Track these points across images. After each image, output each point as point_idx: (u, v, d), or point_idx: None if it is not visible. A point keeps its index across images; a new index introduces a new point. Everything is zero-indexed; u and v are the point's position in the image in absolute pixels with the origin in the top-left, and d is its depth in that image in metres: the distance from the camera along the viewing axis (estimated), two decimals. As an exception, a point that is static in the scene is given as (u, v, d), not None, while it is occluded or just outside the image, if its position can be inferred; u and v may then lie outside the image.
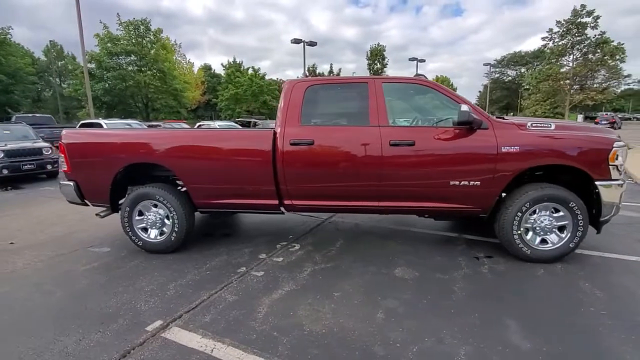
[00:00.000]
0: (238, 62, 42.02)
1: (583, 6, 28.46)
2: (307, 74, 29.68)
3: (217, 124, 16.98)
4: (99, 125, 9.95)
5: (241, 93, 38.78)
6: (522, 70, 47.97)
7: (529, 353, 1.94)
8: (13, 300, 2.64)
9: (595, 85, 29.94)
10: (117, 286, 2.83)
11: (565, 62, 31.20)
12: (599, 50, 28.56)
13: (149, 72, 29.60)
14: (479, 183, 3.04)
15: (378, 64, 39.71)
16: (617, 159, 2.93)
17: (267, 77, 41.52)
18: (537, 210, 3.06)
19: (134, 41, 28.48)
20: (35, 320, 2.36)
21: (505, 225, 3.09)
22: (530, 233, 3.11)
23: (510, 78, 51.36)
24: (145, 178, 3.72)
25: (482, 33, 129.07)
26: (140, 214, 3.47)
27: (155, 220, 3.44)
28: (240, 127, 17.47)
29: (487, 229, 4.06)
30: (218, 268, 3.14)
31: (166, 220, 3.44)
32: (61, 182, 3.60)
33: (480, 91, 61.88)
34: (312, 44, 21.49)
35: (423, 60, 29.37)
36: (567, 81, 30.32)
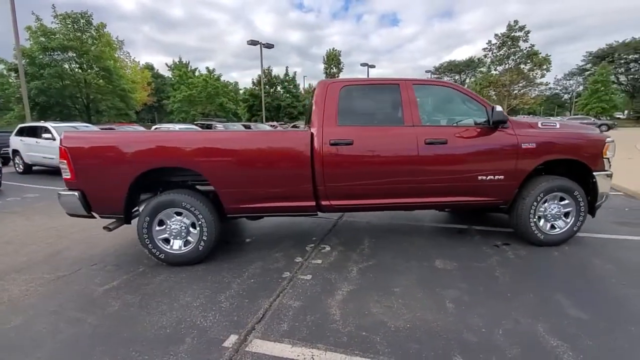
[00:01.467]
0: (184, 62, 39.75)
1: (516, 22, 33.39)
2: (264, 76, 29.29)
3: (177, 127, 15.92)
4: (45, 129, 8.64)
5: (195, 94, 36.70)
6: (456, 77, 52.88)
7: (592, 322, 2.20)
8: (37, 334, 2.22)
9: (522, 91, 34.86)
10: (159, 304, 2.54)
11: (500, 70, 35.85)
12: (529, 61, 33.57)
13: (90, 70, 26.57)
14: (502, 177, 3.33)
15: (334, 68, 40.66)
16: (608, 152, 3.45)
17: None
18: (548, 200, 3.45)
19: (72, 36, 25.34)
20: (83, 353, 2.03)
21: (523, 214, 3.43)
22: (542, 220, 3.50)
23: (446, 84, 56.26)
24: (157, 184, 3.39)
25: (417, 42, 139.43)
26: (161, 223, 3.16)
27: (180, 229, 3.15)
28: (201, 129, 16.58)
29: (486, 220, 4.46)
30: (260, 275, 2.98)
31: (192, 229, 3.18)
32: (61, 192, 3.11)
33: (420, 96, 66.62)
34: (269, 46, 21.19)
35: (373, 66, 30.85)
36: (505, 87, 34.71)
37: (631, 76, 45.96)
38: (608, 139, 3.46)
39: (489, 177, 3.32)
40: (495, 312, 2.34)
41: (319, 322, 2.26)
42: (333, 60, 40.92)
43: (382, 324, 2.23)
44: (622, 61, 44.37)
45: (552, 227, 3.52)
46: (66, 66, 26.21)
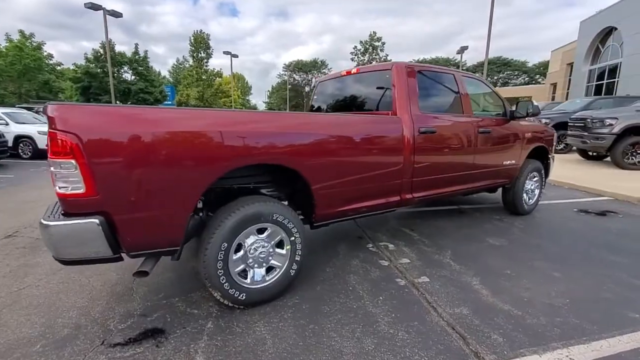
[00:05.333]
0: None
1: (374, 32, 40.75)
2: (103, 52, 22.61)
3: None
4: None
5: (3, 67, 24.85)
6: (303, 75, 57.12)
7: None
8: None
9: None
10: (307, 338, 1.74)
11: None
12: None
13: None
14: (514, 161, 3.96)
15: (202, 52, 35.89)
16: (555, 141, 4.65)
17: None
18: (529, 178, 4.35)
19: None
20: None
21: (519, 190, 4.20)
22: (525, 194, 4.38)
23: (297, 82, 59.82)
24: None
25: (257, 37, 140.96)
26: (238, 248, 2.12)
27: (267, 252, 2.21)
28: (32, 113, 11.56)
29: (456, 200, 5.12)
30: (373, 289, 2.48)
31: (278, 249, 2.29)
32: (53, 222, 1.58)
33: (269, 90, 68.37)
34: (116, 14, 16.50)
35: (236, 56, 29.15)
36: None
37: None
38: (555, 132, 4.66)
39: (509, 162, 3.88)
40: (598, 280, 2.82)
41: (526, 319, 2.12)
42: (201, 43, 36.27)
43: (553, 307, 2.29)
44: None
45: (529, 199, 4.47)
46: None
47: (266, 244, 2.20)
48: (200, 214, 2.18)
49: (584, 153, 9.44)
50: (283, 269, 2.30)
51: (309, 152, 2.26)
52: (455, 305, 2.30)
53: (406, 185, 2.93)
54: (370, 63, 42.85)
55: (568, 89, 25.87)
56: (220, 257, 2.01)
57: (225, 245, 2.01)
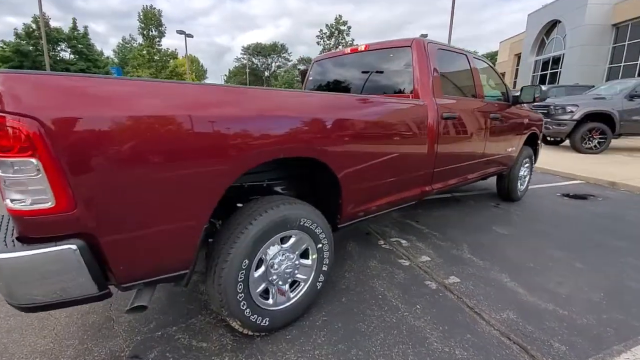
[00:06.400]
0: None
1: (340, 16, 40.05)
2: (37, 27, 19.26)
3: None
4: None
5: None
6: (263, 59, 54.94)
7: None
8: None
9: None
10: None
11: None
12: None
13: None
14: (514, 148, 3.87)
15: (154, 30, 32.24)
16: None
17: None
18: (522, 164, 4.33)
19: None
20: None
21: (514, 177, 4.16)
22: (519, 182, 4.36)
23: (256, 66, 57.26)
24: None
25: (211, 17, 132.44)
26: (258, 264, 1.69)
27: (293, 265, 1.80)
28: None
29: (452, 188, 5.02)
30: (405, 295, 2.19)
31: (303, 260, 1.88)
32: (12, 254, 1.03)
33: (225, 75, 64.96)
34: None
35: (191, 36, 26.85)
36: None
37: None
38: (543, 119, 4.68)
39: (511, 148, 3.79)
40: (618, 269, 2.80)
41: (575, 317, 1.95)
42: (152, 20, 32.55)
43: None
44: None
45: (521, 185, 4.47)
46: None
47: (291, 255, 1.79)
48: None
49: (543, 138, 10.00)
50: (309, 283, 1.92)
51: (338, 140, 1.85)
52: (498, 309, 2.09)
53: (427, 176, 2.65)
54: (337, 47, 42.21)
55: (515, 78, 27.70)
56: (241, 277, 1.57)
57: (247, 262, 1.58)
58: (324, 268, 1.96)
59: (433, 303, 2.13)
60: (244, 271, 1.57)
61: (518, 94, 3.59)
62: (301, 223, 1.76)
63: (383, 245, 2.97)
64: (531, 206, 4.25)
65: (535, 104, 9.53)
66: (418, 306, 2.09)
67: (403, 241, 3.07)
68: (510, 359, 1.68)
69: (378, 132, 2.09)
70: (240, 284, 1.58)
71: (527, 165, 4.41)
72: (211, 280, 1.57)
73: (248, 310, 1.63)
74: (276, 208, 1.66)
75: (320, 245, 1.90)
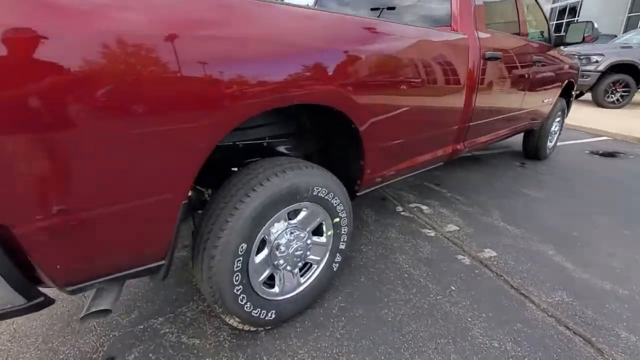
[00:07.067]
0: None
1: None
2: None
3: None
4: None
5: None
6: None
7: None
8: None
9: None
10: None
11: None
12: None
13: None
14: (551, 98, 3.36)
15: None
16: (579, 74, 4.10)
17: None
18: (555, 119, 3.83)
19: None
20: None
21: (546, 133, 3.69)
22: (549, 138, 3.89)
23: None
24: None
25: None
26: (260, 246, 1.30)
27: (305, 246, 1.42)
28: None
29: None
30: (435, 274, 1.85)
31: (316, 238, 1.50)
32: None
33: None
34: None
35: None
36: None
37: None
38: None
39: (548, 99, 3.28)
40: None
41: (638, 298, 1.63)
42: None
43: (658, 278, 1.86)
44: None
45: (550, 142, 4.01)
46: None
47: (302, 234, 1.40)
48: (191, 195, 1.29)
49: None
50: (323, 264, 1.55)
51: (361, 82, 1.37)
52: (548, 289, 1.76)
53: (461, 131, 2.19)
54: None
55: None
56: (238, 266, 1.19)
57: (245, 246, 1.18)
58: (342, 246, 1.59)
59: (470, 283, 1.79)
60: (240, 258, 1.18)
61: (561, 33, 3.01)
62: (314, 193, 1.35)
63: (402, 213, 2.59)
64: (560, 165, 3.83)
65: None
66: (452, 287, 1.76)
67: (424, 207, 2.69)
68: (574, 355, 1.36)
69: (411, 73, 1.59)
70: (237, 275, 1.20)
71: (558, 119, 3.92)
72: (199, 270, 1.19)
73: (248, 304, 1.27)
74: (282, 174, 1.23)
75: (337, 220, 1.51)
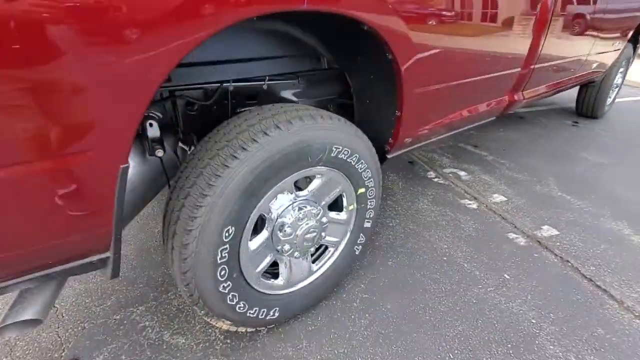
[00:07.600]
0: None
1: None
2: None
3: None
4: None
5: None
6: None
7: None
8: None
9: None
10: None
11: None
12: None
13: None
14: (619, 44, 2.71)
15: None
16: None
17: None
18: (619, 68, 3.17)
19: None
20: None
21: (607, 87, 3.08)
22: (610, 92, 3.26)
23: None
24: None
25: None
26: (256, 228, 0.94)
27: (319, 226, 1.05)
28: None
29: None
30: (482, 257, 1.47)
31: (333, 215, 1.13)
32: None
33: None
34: None
35: None
36: None
37: None
38: None
39: (617, 44, 2.64)
40: None
41: None
42: None
43: None
44: None
45: (609, 97, 3.38)
46: None
47: (315, 210, 1.02)
48: (151, 152, 0.90)
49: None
50: (342, 247, 1.19)
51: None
52: (630, 279, 1.36)
53: (523, 76, 1.69)
54: None
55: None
56: (223, 256, 0.84)
57: (232, 230, 0.82)
58: (367, 224, 1.22)
59: (528, 271, 1.41)
60: (226, 246, 0.83)
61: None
62: (332, 154, 0.95)
63: (435, 179, 2.17)
64: (619, 125, 3.25)
65: None
66: (506, 275, 1.38)
67: (462, 173, 2.26)
68: (685, 379, 1.00)
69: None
70: (223, 268, 0.85)
71: (622, 70, 3.26)
72: (170, 261, 0.85)
73: (241, 303, 0.94)
74: (287, 126, 0.83)
75: (362, 191, 1.12)
